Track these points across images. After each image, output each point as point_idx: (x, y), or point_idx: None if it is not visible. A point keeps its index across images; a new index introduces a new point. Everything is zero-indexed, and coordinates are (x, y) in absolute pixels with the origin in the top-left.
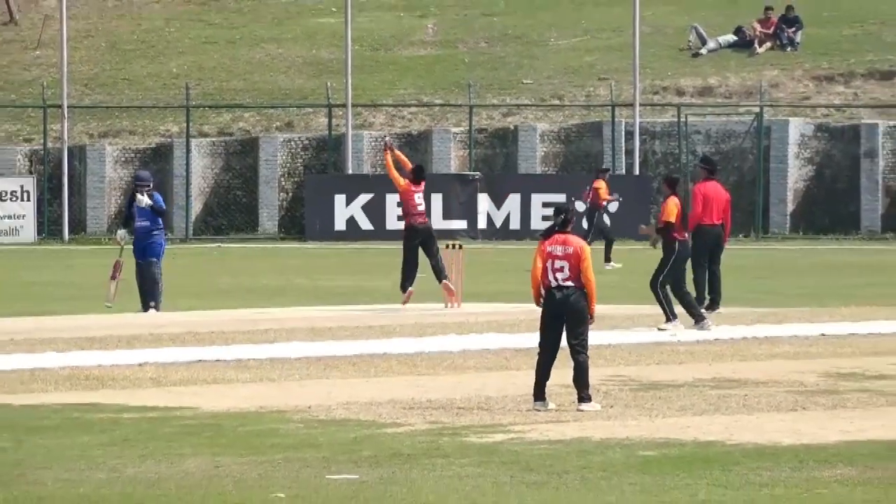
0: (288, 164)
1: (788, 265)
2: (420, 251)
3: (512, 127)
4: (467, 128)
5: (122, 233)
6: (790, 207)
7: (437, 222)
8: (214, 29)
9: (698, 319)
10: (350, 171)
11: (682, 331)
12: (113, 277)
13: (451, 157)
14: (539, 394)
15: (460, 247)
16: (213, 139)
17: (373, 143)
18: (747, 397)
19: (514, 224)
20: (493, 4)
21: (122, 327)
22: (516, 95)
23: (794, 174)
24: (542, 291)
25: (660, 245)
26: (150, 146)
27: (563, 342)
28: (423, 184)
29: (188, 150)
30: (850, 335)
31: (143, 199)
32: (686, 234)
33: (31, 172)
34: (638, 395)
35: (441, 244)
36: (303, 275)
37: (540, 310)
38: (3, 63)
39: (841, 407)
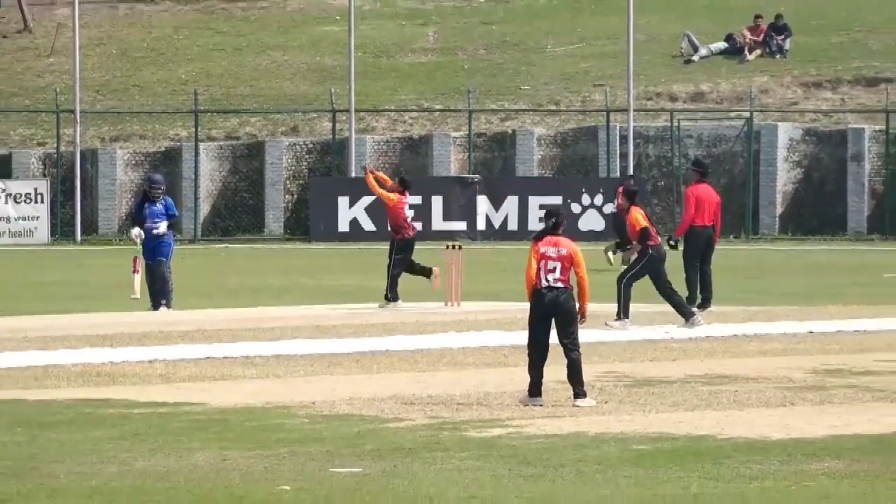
0: (293, 168)
1: (777, 265)
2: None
3: (510, 131)
4: (467, 132)
5: (136, 231)
6: (779, 209)
7: (438, 224)
8: (222, 37)
9: (688, 317)
10: (353, 174)
11: (629, 329)
12: (135, 271)
13: (451, 161)
14: (535, 391)
15: (460, 247)
16: (221, 143)
17: (375, 147)
18: (738, 393)
19: (512, 225)
20: (492, 13)
21: (133, 325)
22: (514, 101)
23: (783, 177)
24: (532, 291)
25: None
26: (159, 150)
27: (552, 339)
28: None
29: (196, 154)
30: (838, 333)
31: (162, 226)
32: (658, 239)
33: (44, 175)
34: (632, 390)
35: (441, 245)
36: (307, 274)
37: None
38: (18, 70)
39: (828, 402)
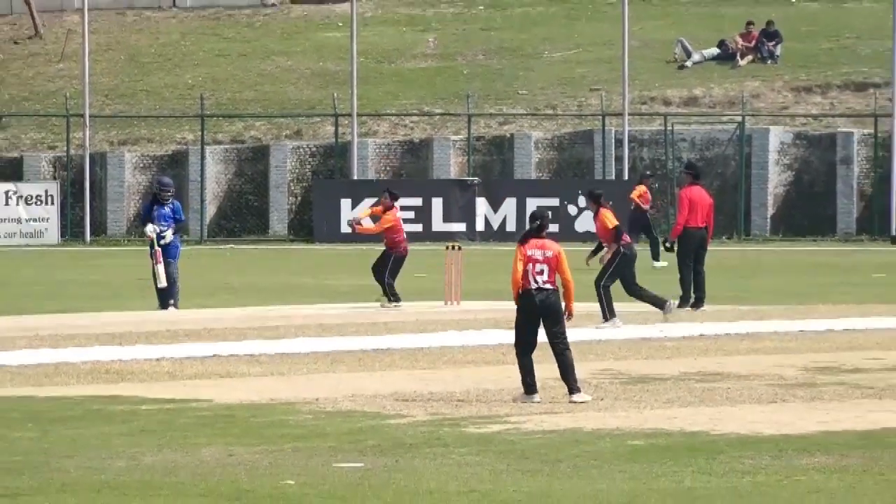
0: (297, 170)
1: (769, 265)
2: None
3: (508, 135)
4: (466, 136)
5: (150, 227)
6: (770, 211)
7: (438, 225)
8: (227, 43)
9: (661, 304)
10: (355, 177)
11: (620, 327)
12: (158, 262)
13: (450, 164)
14: (531, 389)
15: (459, 248)
16: (227, 146)
17: (377, 150)
18: (730, 390)
19: (511, 226)
20: (491, 20)
21: (141, 324)
22: (512, 105)
23: (774, 179)
24: (520, 292)
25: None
26: (166, 153)
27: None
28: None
29: (203, 157)
30: (828, 331)
31: (168, 234)
32: (629, 238)
33: (55, 178)
34: (627, 388)
35: (441, 245)
36: (310, 275)
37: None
38: (29, 75)
39: (818, 399)
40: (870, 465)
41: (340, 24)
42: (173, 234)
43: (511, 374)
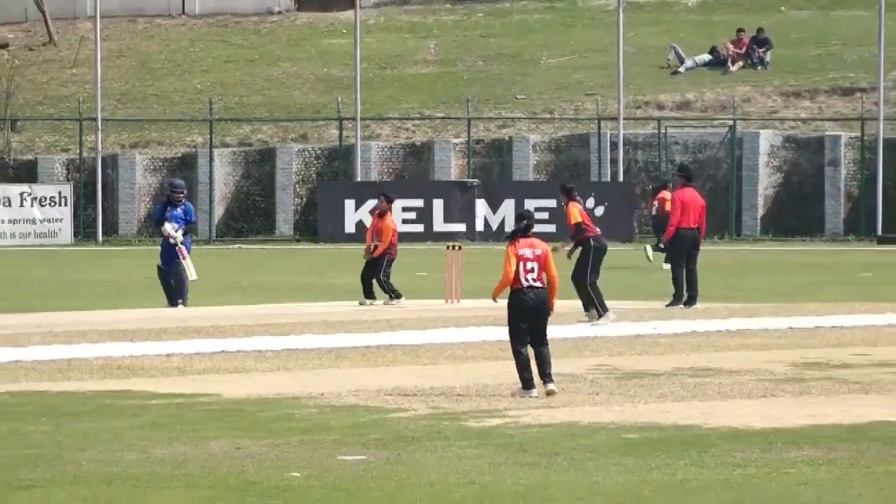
0: (302, 172)
1: (759, 265)
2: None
3: (507, 138)
4: (466, 139)
5: (168, 226)
6: (761, 212)
7: (439, 225)
8: (235, 49)
9: (603, 311)
10: (359, 179)
11: (614, 319)
12: (184, 258)
13: (451, 166)
14: (528, 384)
15: (459, 248)
16: (234, 149)
17: (380, 153)
18: (722, 385)
19: (509, 227)
20: (490, 27)
21: (151, 321)
22: (511, 109)
23: (765, 181)
24: (508, 290)
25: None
26: (176, 156)
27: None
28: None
29: (211, 160)
30: (816, 328)
31: (179, 236)
32: (598, 230)
33: (68, 180)
34: (622, 383)
35: (442, 245)
36: (316, 273)
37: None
38: (44, 80)
39: (807, 394)
40: (856, 458)
41: (344, 31)
42: (184, 234)
43: (509, 370)
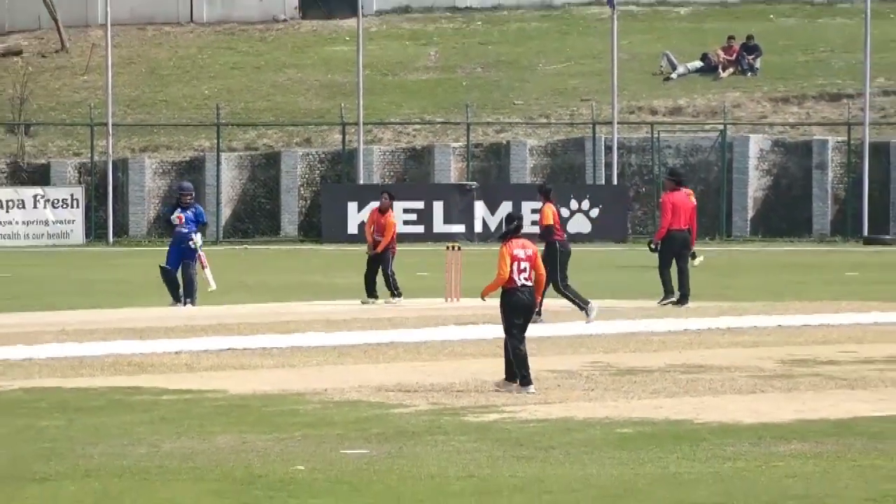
0: (306, 175)
1: (749, 265)
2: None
3: (504, 142)
4: (465, 143)
5: (198, 238)
6: (750, 213)
7: (439, 227)
8: (242, 56)
9: (537, 314)
10: (361, 181)
11: (596, 309)
12: (204, 266)
13: (450, 169)
14: (526, 380)
15: (459, 248)
16: (241, 153)
17: (382, 157)
18: (712, 381)
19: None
20: (488, 34)
21: (160, 319)
22: (508, 114)
23: (754, 184)
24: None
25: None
26: (184, 159)
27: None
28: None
29: (218, 163)
30: (804, 326)
31: (197, 240)
32: (564, 234)
33: (80, 182)
34: (616, 379)
35: (442, 246)
36: (319, 273)
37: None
38: (56, 86)
39: (795, 390)
40: (843, 452)
41: (347, 39)
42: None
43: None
